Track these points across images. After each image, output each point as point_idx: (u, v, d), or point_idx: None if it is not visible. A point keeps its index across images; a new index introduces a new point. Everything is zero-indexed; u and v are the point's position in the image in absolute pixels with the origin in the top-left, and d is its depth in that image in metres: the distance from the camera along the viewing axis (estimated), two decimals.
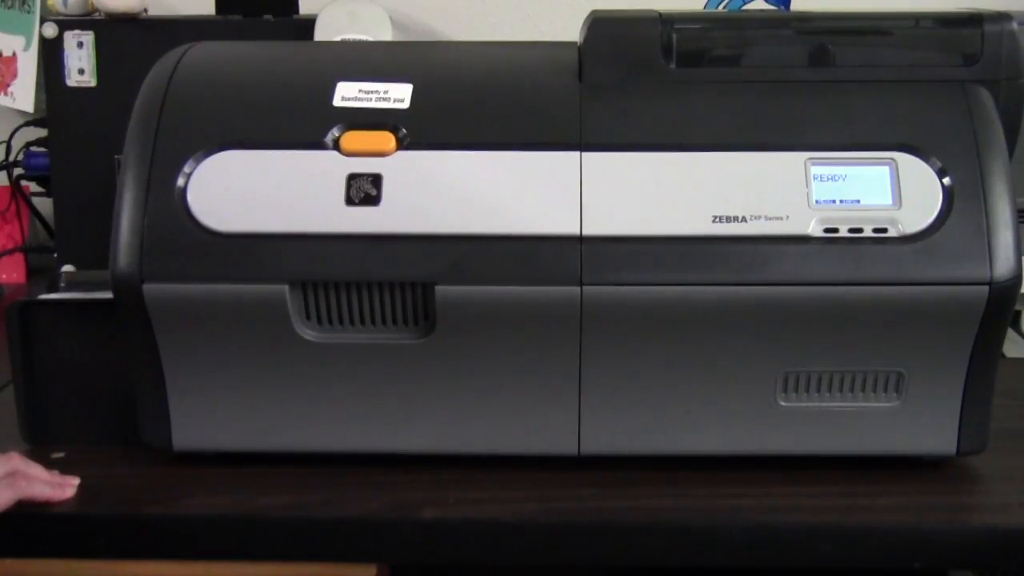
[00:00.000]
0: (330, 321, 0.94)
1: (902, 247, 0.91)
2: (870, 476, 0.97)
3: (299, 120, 0.95)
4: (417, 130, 0.95)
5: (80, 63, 1.51)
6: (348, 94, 0.97)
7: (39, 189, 1.65)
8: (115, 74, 1.51)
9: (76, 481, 0.95)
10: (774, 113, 0.95)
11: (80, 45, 1.51)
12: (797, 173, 0.93)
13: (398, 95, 0.97)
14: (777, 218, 0.92)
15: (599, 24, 0.99)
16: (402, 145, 0.94)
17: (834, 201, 0.92)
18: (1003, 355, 1.12)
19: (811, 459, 0.98)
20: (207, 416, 0.97)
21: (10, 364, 1.01)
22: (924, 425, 0.96)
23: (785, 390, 0.95)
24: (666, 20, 0.99)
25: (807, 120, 0.95)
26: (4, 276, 1.68)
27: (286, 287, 0.92)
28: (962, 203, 0.92)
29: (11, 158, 1.65)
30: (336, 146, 0.94)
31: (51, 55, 1.51)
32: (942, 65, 0.98)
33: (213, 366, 0.95)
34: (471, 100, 0.97)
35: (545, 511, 0.93)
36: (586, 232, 0.91)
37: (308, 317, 0.94)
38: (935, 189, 0.92)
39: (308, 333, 0.94)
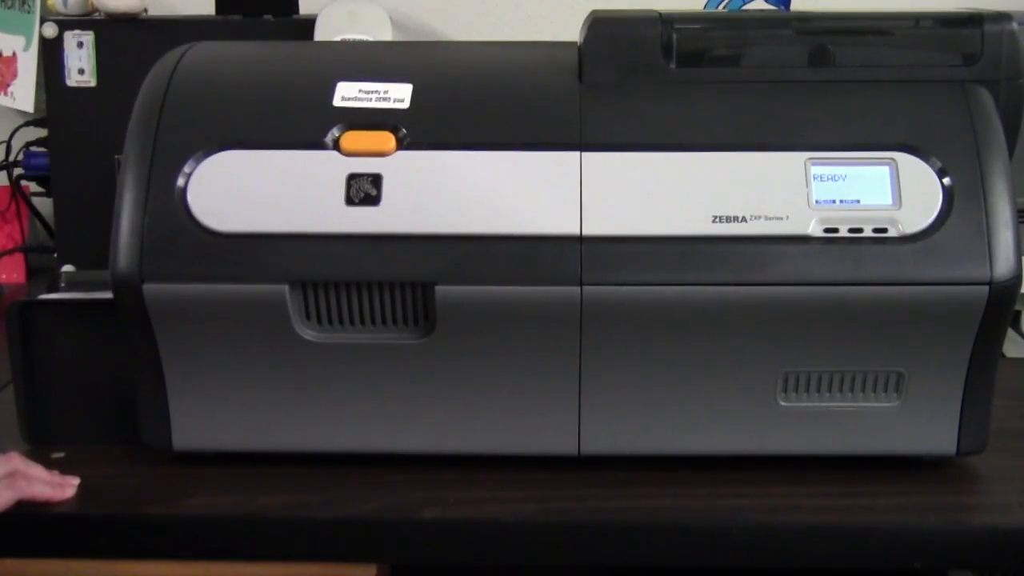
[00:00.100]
0: (330, 321, 0.94)
1: (902, 247, 0.91)
2: (870, 476, 0.97)
3: (299, 120, 0.95)
4: (417, 130, 0.95)
5: (80, 63, 1.51)
6: (348, 94, 0.97)
7: (39, 189, 1.65)
8: (115, 74, 1.51)
9: (76, 481, 0.95)
10: (774, 113, 0.95)
11: (80, 45, 1.51)
12: (797, 173, 0.93)
13: (398, 95, 0.97)
14: (777, 218, 0.92)
15: (599, 24, 0.99)
16: (402, 145, 0.94)
17: (834, 201, 0.92)
18: (1003, 355, 1.12)
19: (811, 459, 0.98)
20: (207, 416, 0.97)
21: (10, 364, 1.01)
22: (924, 425, 0.96)
23: (785, 390, 0.95)
24: (666, 20, 0.99)
25: (807, 120, 0.95)
26: (4, 276, 1.69)
27: (286, 287, 0.92)
28: (962, 203, 0.92)
29: (11, 158, 1.65)
30: (336, 146, 0.94)
31: (51, 55, 1.51)
32: (942, 65, 0.98)
33: (213, 366, 0.95)
34: (471, 100, 0.97)
35: (545, 511, 0.93)
36: (586, 232, 0.91)
37: (308, 317, 0.94)
38: (935, 189, 0.92)
39: (308, 333, 0.94)
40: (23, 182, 1.66)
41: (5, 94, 1.71)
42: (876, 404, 0.96)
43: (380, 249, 0.92)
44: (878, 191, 0.93)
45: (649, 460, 0.98)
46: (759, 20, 1.07)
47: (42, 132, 1.60)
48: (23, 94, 1.70)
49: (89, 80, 1.52)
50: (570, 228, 0.92)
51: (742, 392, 0.95)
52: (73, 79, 1.52)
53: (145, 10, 1.55)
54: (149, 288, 0.92)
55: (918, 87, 0.97)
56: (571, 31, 1.07)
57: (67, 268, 1.49)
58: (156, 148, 0.94)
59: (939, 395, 0.95)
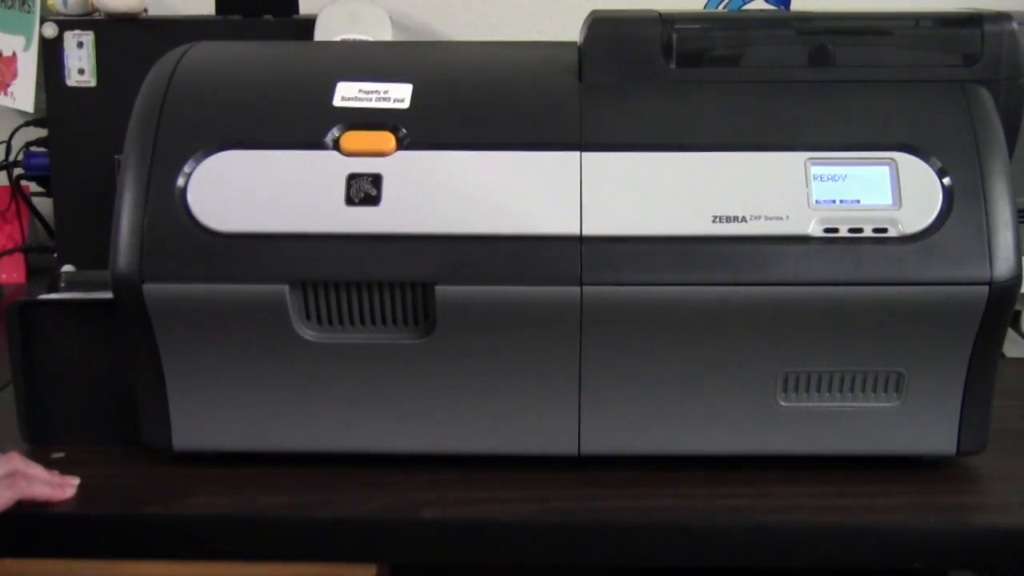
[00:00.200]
0: (330, 321, 0.94)
1: (902, 247, 0.91)
2: (870, 476, 0.97)
3: (299, 120, 0.95)
4: (417, 130, 0.95)
5: (80, 63, 1.51)
6: (348, 94, 0.97)
7: (39, 189, 1.64)
8: (115, 74, 1.51)
9: (76, 481, 0.95)
10: (774, 113, 0.95)
11: (80, 45, 1.51)
12: (797, 173, 0.93)
13: (398, 95, 0.97)
14: (777, 218, 0.92)
15: (599, 24, 0.99)
16: (402, 145, 0.94)
17: (834, 201, 0.92)
18: (1003, 355, 1.12)
19: (811, 459, 0.98)
20: (207, 416, 0.97)
21: (10, 364, 1.01)
22: (924, 425, 0.96)
23: (785, 390, 0.95)
24: (666, 20, 0.99)
25: (807, 120, 0.95)
26: (4, 276, 1.68)
27: (286, 287, 0.92)
28: (962, 203, 0.92)
29: (11, 158, 1.65)
30: (336, 146, 0.94)
31: (51, 55, 1.51)
32: (942, 65, 0.98)
33: (213, 366, 0.95)
34: (471, 100, 0.97)
35: (545, 511, 0.93)
36: (586, 232, 0.91)
37: (308, 317, 0.94)
38: (935, 189, 0.92)
39: (308, 333, 0.94)
40: (23, 182, 1.66)
41: (5, 94, 1.71)
42: (876, 404, 0.96)
43: (380, 249, 0.92)
44: (878, 191, 0.93)
45: (649, 460, 0.98)
46: (759, 20, 1.07)
47: (42, 132, 1.60)
48: (23, 94, 1.70)
49: (89, 80, 1.52)
50: (570, 228, 0.92)
51: (742, 392, 0.95)
52: (73, 79, 1.52)
53: (145, 10, 1.55)
54: (149, 288, 0.92)
55: (918, 87, 0.97)
56: (571, 31, 1.07)
57: (67, 268, 1.49)
58: (156, 148, 0.94)
59: (939, 395, 0.95)
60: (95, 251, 1.47)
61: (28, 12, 1.68)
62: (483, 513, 0.93)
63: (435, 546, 0.92)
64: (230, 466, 0.99)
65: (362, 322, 0.94)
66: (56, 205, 1.56)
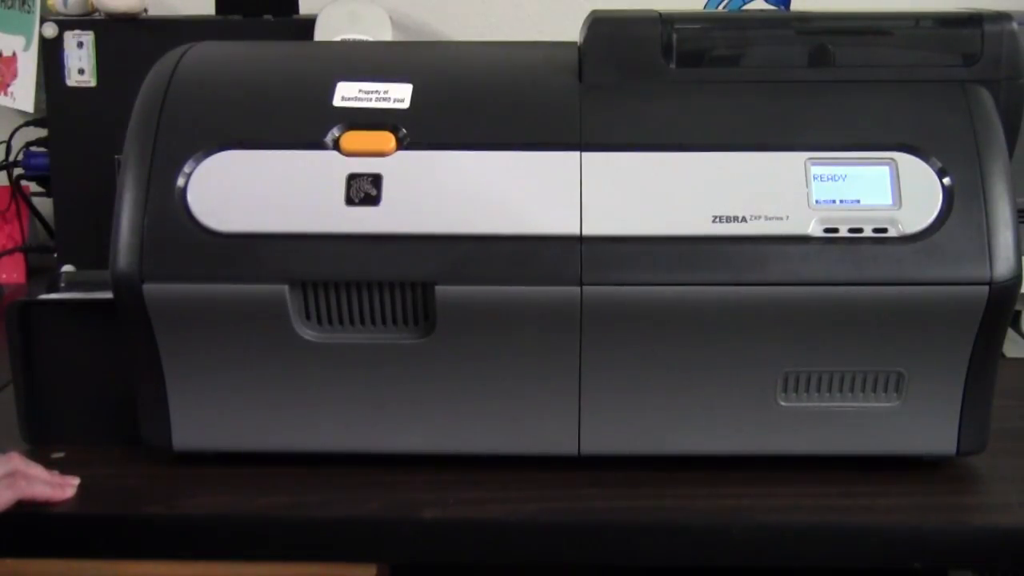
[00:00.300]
0: (330, 321, 0.94)
1: (902, 247, 0.91)
2: (870, 476, 0.97)
3: (299, 120, 0.95)
4: (417, 130, 0.95)
5: (80, 63, 1.51)
6: (348, 94, 0.97)
7: (39, 189, 1.64)
8: (115, 74, 1.51)
9: (76, 481, 0.95)
10: (774, 113, 0.95)
11: (80, 45, 1.51)
12: (797, 173, 0.93)
13: (398, 95, 0.97)
14: (777, 218, 0.92)
15: (599, 24, 0.99)
16: (402, 145, 0.94)
17: (834, 201, 0.92)
18: (1003, 355, 1.12)
19: (811, 459, 0.98)
20: (207, 416, 0.97)
21: (10, 364, 1.01)
22: (924, 425, 0.96)
23: (785, 390, 0.95)
24: (666, 20, 0.99)
25: (807, 120, 0.95)
26: (4, 276, 1.68)
27: (286, 287, 0.92)
28: (962, 203, 0.92)
29: (11, 158, 1.65)
30: (336, 146, 0.94)
31: (51, 55, 1.51)
32: (942, 65, 0.98)
33: (213, 366, 0.95)
34: (471, 100, 0.97)
35: (545, 511, 0.93)
36: (586, 232, 0.91)
37: (308, 317, 0.94)
38: (935, 189, 0.92)
39: (308, 333, 0.94)
40: (23, 182, 1.66)
41: (5, 94, 1.71)
42: (876, 404, 0.96)
43: (380, 249, 0.92)
44: (878, 191, 0.93)
45: (649, 460, 0.98)
46: (759, 20, 1.07)
47: (42, 132, 1.60)
48: (23, 94, 1.70)
49: (89, 80, 1.52)
50: (570, 228, 0.92)
51: (742, 392, 0.95)
52: (73, 79, 1.52)
53: (145, 10, 1.55)
54: (149, 288, 0.92)
55: (918, 87, 0.97)
56: (571, 31, 1.07)
57: (67, 268, 1.48)
58: (156, 148, 0.94)
59: (939, 395, 0.95)
60: (95, 251, 1.48)
61: (28, 12, 1.68)
62: (483, 513, 0.93)
63: (435, 546, 0.92)
64: (230, 466, 0.98)
65: (362, 322, 0.94)
66: (56, 205, 1.56)
